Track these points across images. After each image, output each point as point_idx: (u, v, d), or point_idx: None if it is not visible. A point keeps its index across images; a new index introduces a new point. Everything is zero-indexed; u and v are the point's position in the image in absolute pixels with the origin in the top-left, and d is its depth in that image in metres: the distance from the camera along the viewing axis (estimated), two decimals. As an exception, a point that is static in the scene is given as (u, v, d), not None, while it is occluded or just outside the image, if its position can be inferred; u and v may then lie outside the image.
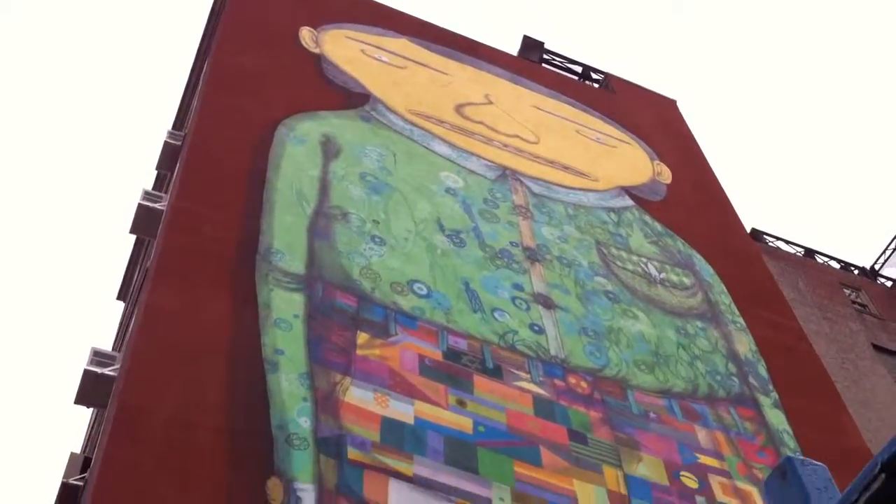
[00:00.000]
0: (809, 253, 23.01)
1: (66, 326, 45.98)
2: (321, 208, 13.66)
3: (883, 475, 0.93)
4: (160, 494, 8.80)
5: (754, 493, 12.50)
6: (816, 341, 18.08)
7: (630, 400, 13.10)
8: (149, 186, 16.35)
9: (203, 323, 10.83)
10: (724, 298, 16.44)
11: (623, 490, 11.63)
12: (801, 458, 1.09)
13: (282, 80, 16.30)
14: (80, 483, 9.53)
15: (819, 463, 1.11)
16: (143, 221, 13.62)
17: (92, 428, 12.96)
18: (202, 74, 16.63)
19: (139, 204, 13.62)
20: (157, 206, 13.60)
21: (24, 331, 44.93)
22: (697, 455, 12.72)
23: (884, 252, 23.56)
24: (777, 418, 14.14)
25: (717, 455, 12.87)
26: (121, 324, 16.69)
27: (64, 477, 9.69)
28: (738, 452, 13.13)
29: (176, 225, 12.37)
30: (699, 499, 12.01)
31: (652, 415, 13.04)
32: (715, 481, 12.41)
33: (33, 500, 40.56)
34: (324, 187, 14.14)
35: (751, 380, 14.74)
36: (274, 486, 9.41)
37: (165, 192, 14.69)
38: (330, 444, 10.15)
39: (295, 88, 16.24)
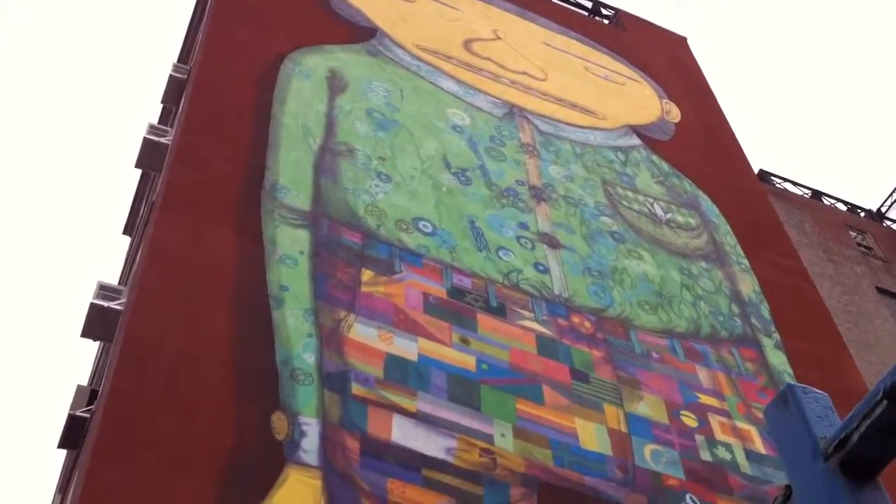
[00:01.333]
0: (816, 195, 22.93)
1: (72, 260, 46.18)
2: (327, 144, 13.61)
3: (885, 401, 0.95)
4: (166, 427, 8.92)
5: (753, 432, 12.64)
6: (820, 283, 18.11)
7: (633, 340, 13.18)
8: (154, 120, 16.27)
9: (209, 258, 10.87)
10: (729, 239, 16.43)
11: (623, 428, 11.76)
12: (803, 386, 1.11)
13: (288, 13, 16.11)
14: (87, 415, 9.67)
15: (820, 391, 1.13)
16: (149, 155, 13.59)
17: (99, 361, 13.10)
18: (207, 7, 16.44)
19: (144, 138, 13.57)
20: (162, 140, 13.55)
21: (31, 264, 45.15)
22: (698, 395, 12.83)
23: (891, 195, 23.45)
24: (778, 359, 14.23)
25: (718, 395, 12.99)
26: (127, 258, 16.76)
27: (71, 409, 9.82)
28: (739, 392, 13.24)
29: (181, 159, 12.34)
30: (698, 437, 12.15)
31: (654, 354, 13.13)
32: (714, 420, 12.54)
33: (41, 432, 41.19)
34: (330, 123, 14.06)
35: (753, 321, 14.80)
36: (279, 420, 9.53)
37: (171, 126, 14.63)
38: (334, 380, 10.25)
39: (301, 22, 16.06)
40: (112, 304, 10.62)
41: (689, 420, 12.34)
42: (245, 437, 9.21)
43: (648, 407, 12.24)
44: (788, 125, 59.29)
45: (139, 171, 17.09)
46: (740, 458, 12.15)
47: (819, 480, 1.15)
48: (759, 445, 12.44)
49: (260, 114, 13.47)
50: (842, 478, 1.13)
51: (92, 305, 10.61)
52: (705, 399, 12.81)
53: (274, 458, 9.18)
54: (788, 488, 1.22)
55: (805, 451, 1.19)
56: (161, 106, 16.76)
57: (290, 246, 11.55)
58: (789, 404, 1.24)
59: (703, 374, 13.26)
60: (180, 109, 14.12)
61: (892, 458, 1.12)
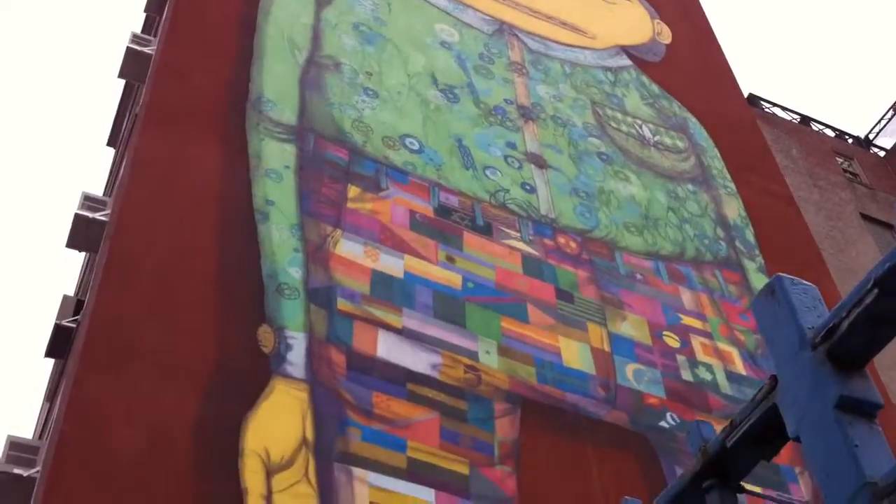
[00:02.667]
0: (805, 120, 22.86)
1: (58, 171, 45.78)
2: (313, 57, 13.40)
3: (875, 290, 0.93)
4: (152, 338, 8.94)
5: (734, 353, 12.80)
6: (805, 208, 18.17)
7: (618, 261, 13.23)
8: (138, 29, 15.94)
9: (193, 171, 10.77)
10: (716, 163, 16.40)
11: (606, 347, 11.89)
12: (791, 277, 1.09)
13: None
14: (73, 325, 9.67)
15: (809, 283, 1.11)
16: (132, 65, 13.34)
17: (85, 272, 13.06)
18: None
19: (127, 47, 13.31)
20: (145, 49, 13.30)
21: (17, 175, 44.71)
22: (681, 316, 12.95)
23: (879, 121, 23.41)
24: (761, 282, 14.33)
25: (700, 316, 13.11)
26: (111, 170, 16.60)
27: (57, 319, 9.82)
28: (721, 314, 13.37)
29: (164, 71, 12.13)
30: (680, 358, 12.30)
31: (638, 276, 13.20)
32: (696, 341, 12.69)
33: (28, 341, 41.34)
34: (315, 36, 13.83)
35: (738, 244, 14.87)
36: (265, 334, 9.56)
37: (154, 36, 14.34)
38: (320, 295, 10.27)
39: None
40: (97, 216, 10.54)
41: (672, 341, 12.47)
42: (231, 349, 9.25)
43: (632, 327, 12.36)
44: (779, 49, 58.83)
45: (123, 82, 16.81)
46: (721, 378, 12.33)
47: (805, 370, 1.14)
48: (740, 366, 12.62)
49: (244, 25, 13.22)
50: (829, 367, 1.11)
51: (76, 216, 10.53)
52: (688, 320, 12.94)
53: (260, 371, 9.24)
54: (774, 378, 1.21)
55: (792, 341, 1.18)
56: (144, 15, 16.41)
57: (275, 160, 11.44)
58: (777, 295, 1.23)
59: (686, 296, 13.37)
60: (164, 19, 13.84)
61: (880, 349, 1.11)
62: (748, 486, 1.29)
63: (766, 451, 1.24)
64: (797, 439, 1.14)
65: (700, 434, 1.29)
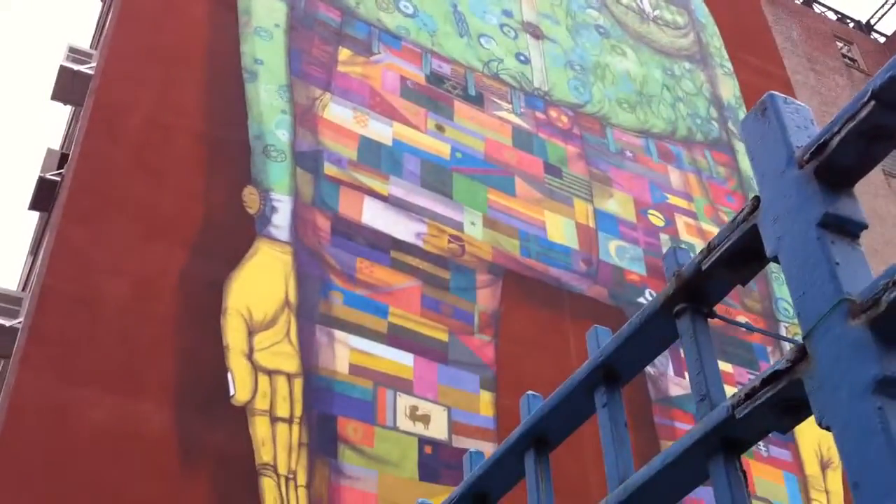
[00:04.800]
0: (808, 1, 22.40)
1: (44, 23, 44.66)
2: (308, -87, 12.93)
3: (872, 103, 0.91)
4: (136, 193, 8.91)
5: (717, 235, 12.89)
6: (800, 91, 18.00)
7: (608, 137, 13.16)
8: None
9: (181, 25, 10.52)
10: (715, 41, 16.13)
11: (591, 223, 11.94)
12: (784, 96, 1.07)
13: None
14: (58, 178, 9.62)
15: (802, 104, 1.10)
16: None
17: (70, 125, 12.91)
18: None
19: None
20: None
21: (2, 27, 43.62)
22: (667, 195, 12.97)
23: (882, 6, 22.97)
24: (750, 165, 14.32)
25: (687, 196, 13.14)
26: (98, 22, 16.21)
27: (41, 171, 9.75)
28: (708, 195, 13.40)
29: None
30: (663, 236, 12.38)
31: (628, 153, 13.15)
32: (681, 221, 12.75)
33: (12, 195, 41.19)
34: None
35: (730, 125, 14.78)
36: (250, 195, 9.55)
37: None
38: (307, 159, 10.21)
39: None
40: (82, 68, 10.34)
41: (656, 219, 12.53)
42: (216, 208, 9.24)
43: (618, 204, 12.39)
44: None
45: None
46: (702, 258, 12.45)
47: (790, 188, 1.12)
48: (722, 248, 12.73)
49: None
50: (815, 185, 1.10)
51: (62, 68, 10.32)
52: (674, 199, 12.97)
53: (245, 231, 9.26)
54: (756, 199, 1.20)
55: (779, 159, 1.15)
56: None
57: (265, 18, 11.18)
58: (767, 113, 1.21)
59: (674, 175, 13.36)
60: None
61: (871, 167, 1.09)
62: (720, 314, 1.29)
63: (743, 275, 1.24)
64: (775, 259, 1.14)
65: (676, 260, 1.29)
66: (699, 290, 1.31)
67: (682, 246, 12.28)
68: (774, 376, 1.12)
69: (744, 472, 1.23)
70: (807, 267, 1.09)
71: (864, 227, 1.11)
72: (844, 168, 1.10)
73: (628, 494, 1.32)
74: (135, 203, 8.83)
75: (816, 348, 1.06)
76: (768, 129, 1.15)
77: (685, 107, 14.47)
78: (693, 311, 1.32)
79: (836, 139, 1.06)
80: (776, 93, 1.18)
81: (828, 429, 1.04)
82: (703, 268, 1.28)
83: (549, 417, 1.55)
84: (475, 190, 11.26)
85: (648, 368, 10.96)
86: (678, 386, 10.87)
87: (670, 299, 1.34)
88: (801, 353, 1.09)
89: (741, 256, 1.25)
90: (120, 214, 8.68)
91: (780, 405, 1.13)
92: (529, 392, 1.65)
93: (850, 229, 1.09)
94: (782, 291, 12.78)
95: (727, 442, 1.21)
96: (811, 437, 11.45)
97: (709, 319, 1.34)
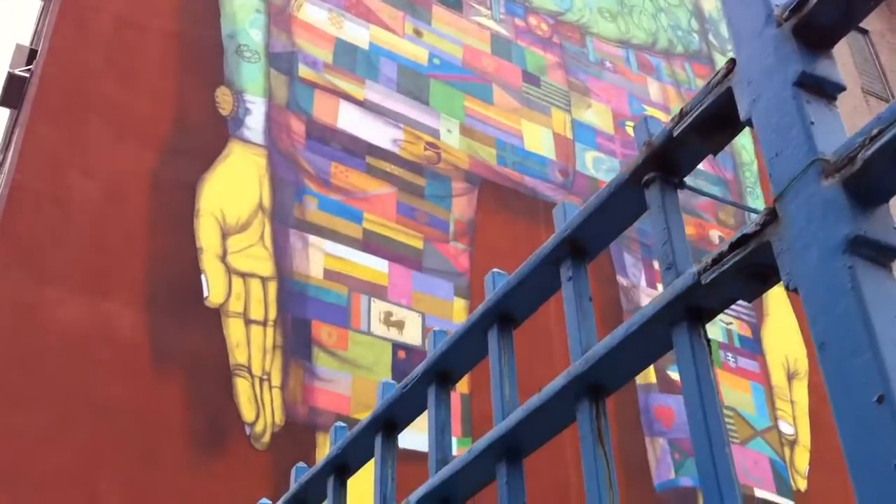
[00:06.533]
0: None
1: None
2: None
3: None
4: (107, 92, 8.73)
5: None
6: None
7: (588, 47, 12.99)
8: None
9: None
10: (699, -48, 15.85)
11: (568, 134, 11.87)
12: None
13: None
14: (27, 74, 9.39)
15: None
16: None
17: (39, 21, 12.58)
18: None
19: None
20: None
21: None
22: (645, 107, 12.89)
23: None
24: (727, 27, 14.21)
25: (665, 109, 13.06)
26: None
27: (10, 67, 9.52)
28: (686, 108, 13.32)
29: None
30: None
31: (607, 63, 13.01)
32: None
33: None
34: None
35: (711, 38, 14.62)
36: (223, 95, 9.38)
37: None
38: (281, 60, 10.02)
39: None
40: (49, -39, 10.01)
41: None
42: (188, 109, 9.08)
43: (595, 115, 12.30)
44: None
45: None
46: (678, 171, 12.44)
47: (767, 48, 1.08)
48: (698, 161, 12.71)
49: None
50: (793, 44, 1.05)
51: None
52: (652, 112, 12.88)
53: (217, 133, 9.13)
54: (732, 62, 1.16)
55: (756, 18, 1.11)
56: None
57: (240, -86, 10.84)
58: None
59: (653, 87, 13.26)
60: None
61: (851, 27, 1.05)
62: (690, 183, 1.26)
63: (716, 141, 1.20)
64: (749, 122, 1.10)
65: (647, 129, 1.25)
66: (670, 158, 1.28)
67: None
68: (743, 240, 1.09)
69: (708, 342, 1.21)
70: (781, 128, 1.05)
71: (841, 88, 1.07)
72: (824, 27, 1.05)
73: (589, 365, 1.31)
74: (105, 103, 8.65)
75: (787, 210, 1.03)
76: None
77: (666, 18, 14.28)
78: (662, 180, 1.29)
79: (817, -4, 1.01)
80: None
81: (795, 290, 1.02)
82: (675, 134, 1.25)
83: (514, 293, 1.53)
84: (452, 97, 11.13)
85: (621, 279, 11.03)
86: (651, 298, 10.96)
87: (640, 169, 1.31)
88: (772, 216, 1.06)
89: (714, 122, 1.21)
90: (90, 113, 8.51)
91: (748, 269, 1.10)
92: (495, 269, 1.63)
93: (827, 90, 1.05)
94: (757, 203, 12.83)
95: (692, 311, 1.19)
96: (778, 349, 11.64)
97: (679, 191, 1.31)
